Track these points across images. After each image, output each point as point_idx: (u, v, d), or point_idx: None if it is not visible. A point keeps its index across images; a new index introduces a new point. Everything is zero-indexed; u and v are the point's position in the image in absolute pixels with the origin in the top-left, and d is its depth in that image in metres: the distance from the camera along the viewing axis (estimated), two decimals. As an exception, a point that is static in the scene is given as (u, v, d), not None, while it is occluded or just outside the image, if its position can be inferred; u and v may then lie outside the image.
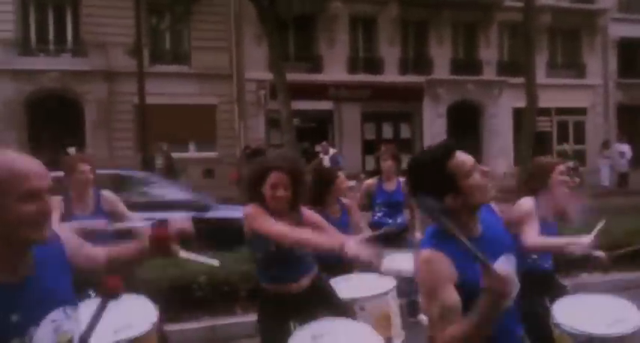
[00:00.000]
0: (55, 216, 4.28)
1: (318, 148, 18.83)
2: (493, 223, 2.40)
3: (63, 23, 21.72)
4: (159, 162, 17.04)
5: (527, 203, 3.81)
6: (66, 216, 4.49)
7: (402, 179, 6.20)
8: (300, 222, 3.46)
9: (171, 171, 17.05)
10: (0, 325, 1.70)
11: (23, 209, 1.69)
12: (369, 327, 3.28)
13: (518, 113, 23.87)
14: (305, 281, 3.48)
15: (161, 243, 2.21)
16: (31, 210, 1.71)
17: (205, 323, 5.91)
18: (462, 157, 2.28)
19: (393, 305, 4.10)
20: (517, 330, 2.41)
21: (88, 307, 2.04)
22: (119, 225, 4.51)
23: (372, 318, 3.82)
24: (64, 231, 2.10)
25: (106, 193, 4.76)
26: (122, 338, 3.07)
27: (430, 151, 2.37)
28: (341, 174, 4.91)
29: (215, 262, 4.61)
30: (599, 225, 3.69)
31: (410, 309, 5.74)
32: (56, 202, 4.45)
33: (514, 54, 26.65)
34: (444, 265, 2.15)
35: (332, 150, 18.03)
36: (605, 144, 22.84)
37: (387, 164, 6.16)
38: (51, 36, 21.58)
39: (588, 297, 3.72)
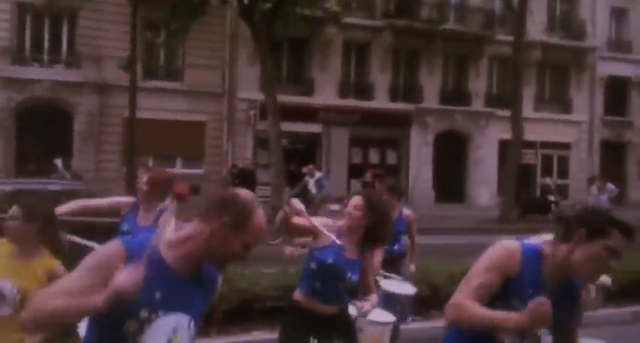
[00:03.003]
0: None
1: (304, 170, 18.95)
2: (571, 297, 2.55)
3: (58, 34, 21.88)
4: (141, 176, 17.03)
5: None
6: (127, 221, 4.65)
7: (404, 209, 6.38)
8: None
9: None
10: (145, 291, 1.90)
11: (239, 251, 2.03)
12: None
13: (503, 145, 24.17)
14: (335, 308, 3.71)
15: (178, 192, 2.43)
16: (241, 254, 2.05)
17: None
18: (620, 244, 2.36)
19: (386, 339, 4.32)
20: None
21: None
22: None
23: (366, 341, 4.05)
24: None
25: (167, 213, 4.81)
26: None
27: (624, 219, 2.46)
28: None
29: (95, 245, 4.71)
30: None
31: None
32: (126, 203, 4.73)
33: (503, 87, 27.08)
34: (513, 261, 2.38)
35: (318, 174, 18.14)
36: (591, 180, 22.87)
37: (385, 197, 6.34)
38: (46, 46, 21.69)
39: None
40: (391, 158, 26.20)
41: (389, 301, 4.97)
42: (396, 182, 7.42)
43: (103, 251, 1.99)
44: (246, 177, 18.45)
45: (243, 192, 2.10)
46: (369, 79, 25.49)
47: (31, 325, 1.90)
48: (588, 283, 2.50)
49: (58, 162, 16.97)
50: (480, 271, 2.40)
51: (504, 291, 2.37)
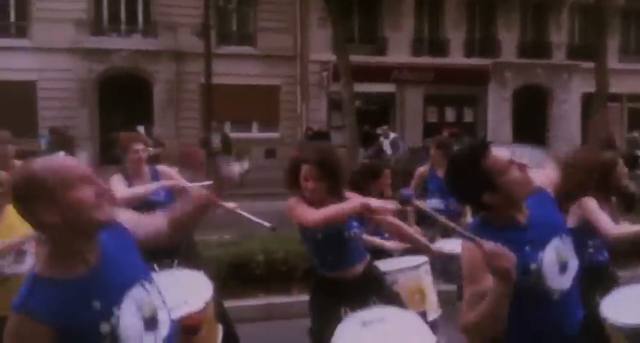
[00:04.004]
0: (122, 187, 4.59)
1: (379, 131, 18.83)
2: (543, 208, 2.41)
3: (134, 4, 22.28)
4: (216, 140, 17.40)
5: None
6: None
7: None
8: None
9: (227, 150, 17.44)
10: (85, 314, 1.79)
11: (82, 193, 1.79)
12: (417, 317, 3.31)
13: (587, 98, 23.18)
14: (359, 268, 3.53)
15: (191, 159, 2.24)
16: (89, 192, 1.80)
17: (262, 301, 6.13)
18: (498, 154, 2.28)
19: (426, 279, 4.18)
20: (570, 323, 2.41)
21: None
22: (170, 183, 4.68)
23: (406, 291, 3.94)
24: (122, 213, 2.14)
25: (162, 168, 4.94)
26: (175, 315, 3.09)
27: (465, 149, 2.41)
28: (387, 171, 5.02)
29: (268, 224, 4.83)
30: None
31: (459, 293, 5.79)
32: (118, 178, 4.72)
33: (585, 37, 25.81)
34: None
35: (392, 134, 18.01)
36: None
37: (431, 153, 6.31)
38: (122, 16, 22.17)
39: None
40: (468, 116, 25.63)
41: (446, 262, 4.88)
42: (445, 138, 7.28)
43: None
44: (321, 140, 18.53)
45: (17, 169, 1.88)
46: (444, 35, 24.81)
47: None
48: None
49: (141, 129, 17.47)
50: (466, 283, 2.28)
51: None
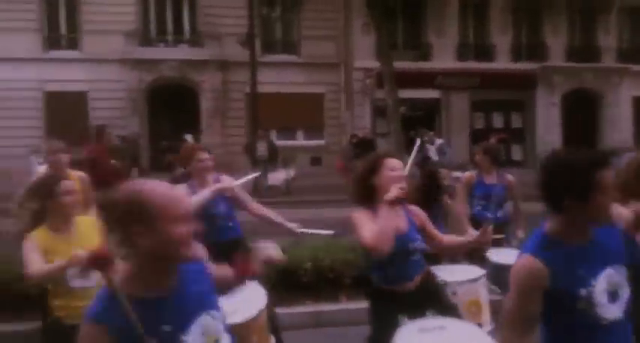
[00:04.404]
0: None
1: (425, 138, 18.66)
2: (607, 238, 2.39)
3: (180, 14, 22.70)
4: (261, 148, 17.47)
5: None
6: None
7: (505, 174, 6.16)
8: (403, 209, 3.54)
9: (274, 158, 17.52)
10: (155, 336, 1.87)
11: (177, 230, 1.88)
12: (475, 326, 3.30)
13: (638, 102, 22.59)
14: (416, 280, 3.52)
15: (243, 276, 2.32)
16: (183, 230, 1.90)
17: (310, 308, 6.14)
18: (610, 175, 2.27)
19: (483, 293, 4.18)
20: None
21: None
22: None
23: (463, 303, 3.96)
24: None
25: (226, 177, 5.00)
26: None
27: (593, 153, 2.37)
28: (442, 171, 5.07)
29: (328, 232, 4.91)
30: None
31: None
32: (183, 190, 4.70)
33: (636, 39, 25.18)
34: (536, 274, 2.25)
35: (438, 141, 17.83)
36: None
37: (477, 158, 6.18)
38: (169, 27, 22.61)
39: None
40: (516, 122, 25.23)
41: (498, 272, 4.80)
42: (492, 144, 7.13)
43: None
44: (366, 147, 18.46)
45: (119, 188, 1.93)
46: (489, 40, 24.52)
47: None
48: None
49: (189, 137, 17.72)
50: (515, 301, 2.29)
51: (561, 290, 2.23)
